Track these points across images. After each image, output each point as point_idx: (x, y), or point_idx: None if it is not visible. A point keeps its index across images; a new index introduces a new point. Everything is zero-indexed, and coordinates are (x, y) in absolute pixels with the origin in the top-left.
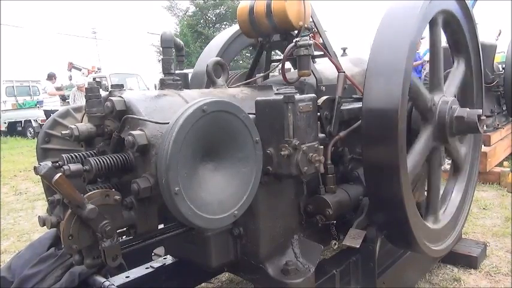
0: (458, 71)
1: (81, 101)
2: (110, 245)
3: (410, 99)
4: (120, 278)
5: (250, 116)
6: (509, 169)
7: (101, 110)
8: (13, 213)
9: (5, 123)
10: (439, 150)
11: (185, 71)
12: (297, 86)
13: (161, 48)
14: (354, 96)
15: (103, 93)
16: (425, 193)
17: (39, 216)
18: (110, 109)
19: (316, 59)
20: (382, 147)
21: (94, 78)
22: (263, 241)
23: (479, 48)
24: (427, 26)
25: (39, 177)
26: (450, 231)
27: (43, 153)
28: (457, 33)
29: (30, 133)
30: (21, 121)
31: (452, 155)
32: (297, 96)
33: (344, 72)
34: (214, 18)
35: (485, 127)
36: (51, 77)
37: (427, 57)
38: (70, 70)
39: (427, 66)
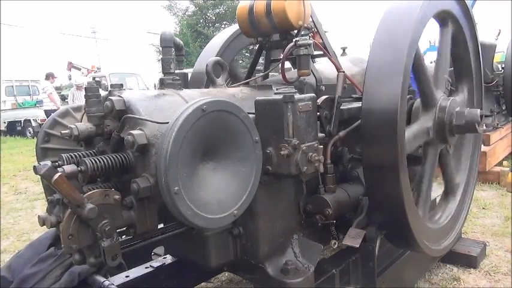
0: (443, 44)
1: (80, 101)
2: (110, 245)
3: (415, 73)
4: (120, 278)
5: (250, 115)
6: (508, 169)
7: (100, 109)
8: (13, 213)
9: (4, 122)
10: (445, 149)
11: (185, 70)
12: (297, 85)
13: (161, 48)
14: (354, 95)
15: (102, 92)
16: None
17: (38, 215)
18: (110, 109)
19: (315, 59)
20: (382, 146)
21: (93, 78)
22: (263, 241)
23: (478, 46)
24: (425, 26)
25: (39, 176)
26: (449, 231)
27: (43, 153)
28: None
29: (30, 133)
30: (20, 121)
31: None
32: (297, 96)
33: (344, 71)
34: (214, 18)
35: (484, 126)
36: (49, 76)
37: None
38: (69, 70)
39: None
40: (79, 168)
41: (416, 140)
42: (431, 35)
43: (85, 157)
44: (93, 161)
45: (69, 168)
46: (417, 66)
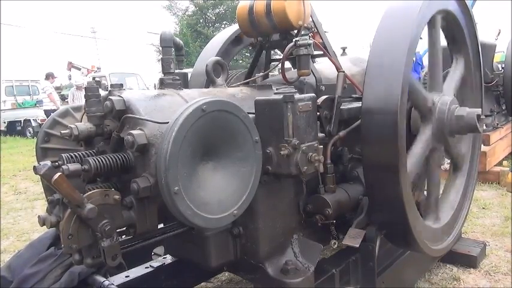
0: (457, 70)
1: (80, 101)
2: (110, 245)
3: (410, 99)
4: (120, 278)
5: (250, 115)
6: (508, 168)
7: (100, 109)
8: (13, 213)
9: (4, 122)
10: (439, 150)
11: (185, 70)
12: (297, 85)
13: (161, 48)
14: (354, 95)
15: (102, 92)
16: (425, 192)
17: (39, 215)
18: (110, 109)
19: (315, 59)
20: (382, 146)
21: (93, 78)
22: (263, 240)
23: (478, 46)
24: (425, 26)
25: (39, 176)
26: (449, 231)
27: (42, 153)
28: (455, 32)
29: (30, 133)
30: (20, 120)
31: (451, 154)
32: (297, 96)
33: (344, 71)
34: (213, 18)
35: (484, 126)
36: (49, 76)
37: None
38: (70, 69)
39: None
40: (83, 167)
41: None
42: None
43: (85, 157)
44: (96, 161)
45: (73, 166)
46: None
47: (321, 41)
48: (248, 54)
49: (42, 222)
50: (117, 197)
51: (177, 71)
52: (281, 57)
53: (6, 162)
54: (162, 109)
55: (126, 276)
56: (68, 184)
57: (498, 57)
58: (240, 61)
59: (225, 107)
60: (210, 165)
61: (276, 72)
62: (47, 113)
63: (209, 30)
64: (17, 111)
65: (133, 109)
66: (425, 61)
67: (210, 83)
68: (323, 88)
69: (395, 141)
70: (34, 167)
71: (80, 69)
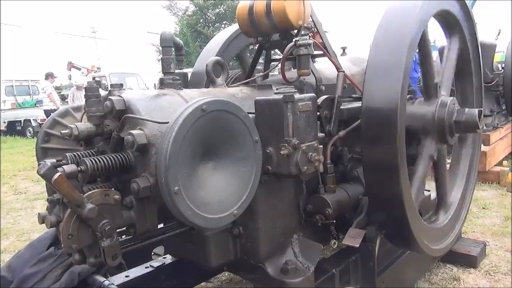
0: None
1: (80, 101)
2: (110, 245)
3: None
4: (120, 278)
5: (250, 115)
6: (508, 168)
7: (100, 109)
8: (13, 213)
9: (4, 122)
10: (432, 140)
11: (185, 70)
12: (297, 85)
13: (161, 48)
14: (354, 95)
15: (102, 92)
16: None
17: (38, 213)
18: (110, 108)
19: (315, 59)
20: (382, 146)
21: (93, 78)
22: (263, 240)
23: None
24: (425, 26)
25: (39, 176)
26: (449, 231)
27: (43, 153)
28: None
29: (30, 132)
30: (20, 120)
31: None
32: (297, 96)
33: (343, 71)
34: (213, 18)
35: (484, 126)
36: (49, 76)
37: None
38: (69, 69)
39: None
40: (79, 168)
41: (414, 120)
42: (431, 35)
43: (85, 157)
44: (93, 161)
45: (69, 168)
46: (424, 53)
47: (321, 41)
48: (248, 54)
49: (42, 219)
50: (117, 197)
51: (177, 71)
52: (281, 57)
53: (6, 162)
54: (162, 109)
55: (126, 276)
56: (68, 184)
57: (498, 57)
58: None
59: (225, 107)
60: (210, 165)
61: (276, 72)
62: (47, 113)
63: (209, 30)
64: (17, 111)
65: (133, 109)
66: None
67: (210, 83)
68: (323, 88)
69: (395, 141)
70: (39, 165)
71: (80, 69)
